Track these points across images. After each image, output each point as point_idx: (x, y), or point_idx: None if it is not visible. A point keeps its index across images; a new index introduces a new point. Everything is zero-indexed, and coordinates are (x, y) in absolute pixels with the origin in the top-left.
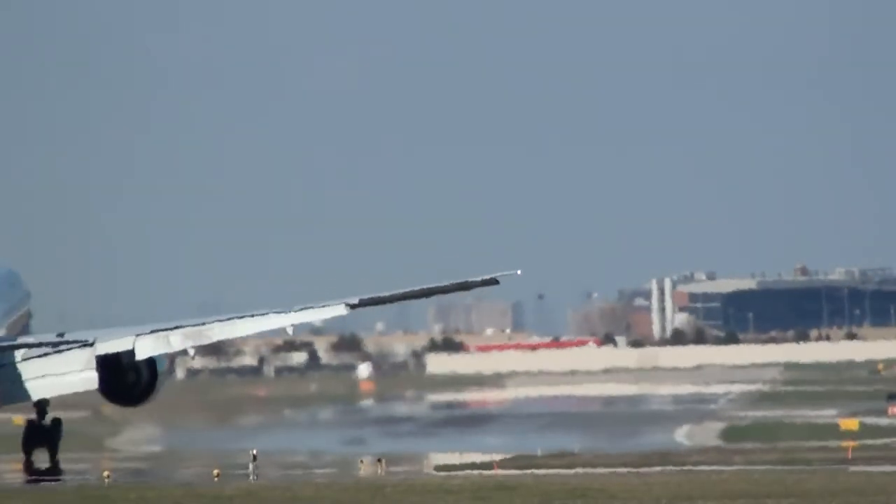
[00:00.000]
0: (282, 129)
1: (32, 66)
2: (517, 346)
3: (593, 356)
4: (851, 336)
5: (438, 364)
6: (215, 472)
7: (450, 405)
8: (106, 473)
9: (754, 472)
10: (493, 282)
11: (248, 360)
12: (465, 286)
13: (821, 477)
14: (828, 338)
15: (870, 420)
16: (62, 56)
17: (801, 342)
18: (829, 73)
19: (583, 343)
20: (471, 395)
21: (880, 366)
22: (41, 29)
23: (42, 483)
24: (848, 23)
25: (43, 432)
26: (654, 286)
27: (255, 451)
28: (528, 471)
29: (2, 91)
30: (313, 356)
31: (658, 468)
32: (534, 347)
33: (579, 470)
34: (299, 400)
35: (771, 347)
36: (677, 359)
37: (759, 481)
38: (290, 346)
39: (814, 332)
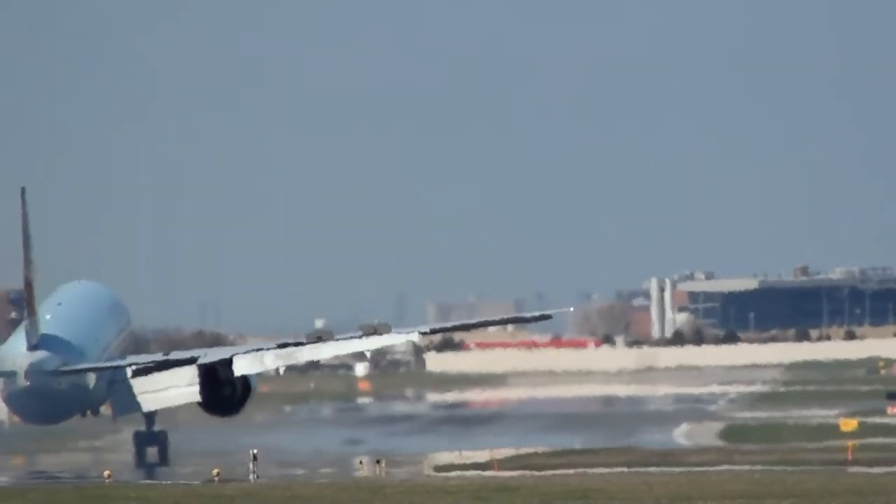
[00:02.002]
0: (282, 128)
1: (30, 66)
2: (517, 345)
3: (593, 356)
4: (851, 335)
5: (438, 362)
6: (215, 471)
7: (449, 404)
8: (107, 473)
9: (754, 472)
10: (547, 317)
11: None
12: (520, 320)
13: (821, 477)
14: (828, 337)
15: (870, 420)
16: (59, 55)
17: (801, 342)
18: (829, 73)
19: (582, 343)
20: (470, 395)
21: (881, 364)
22: (37, 28)
23: (45, 480)
24: (848, 23)
25: (153, 437)
26: (653, 286)
27: (255, 451)
28: (528, 471)
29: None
30: None
31: (658, 468)
32: (534, 346)
33: (579, 470)
34: (299, 398)
35: (771, 347)
36: (677, 359)
37: (759, 481)
38: None
39: (814, 332)
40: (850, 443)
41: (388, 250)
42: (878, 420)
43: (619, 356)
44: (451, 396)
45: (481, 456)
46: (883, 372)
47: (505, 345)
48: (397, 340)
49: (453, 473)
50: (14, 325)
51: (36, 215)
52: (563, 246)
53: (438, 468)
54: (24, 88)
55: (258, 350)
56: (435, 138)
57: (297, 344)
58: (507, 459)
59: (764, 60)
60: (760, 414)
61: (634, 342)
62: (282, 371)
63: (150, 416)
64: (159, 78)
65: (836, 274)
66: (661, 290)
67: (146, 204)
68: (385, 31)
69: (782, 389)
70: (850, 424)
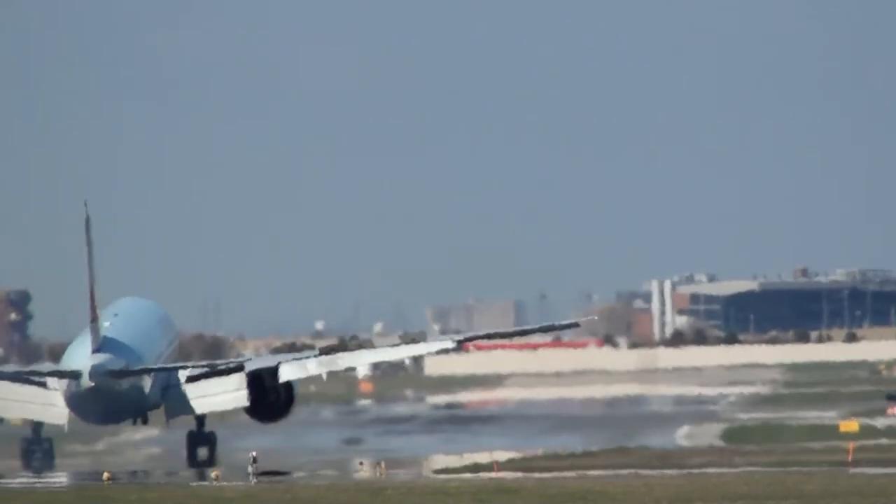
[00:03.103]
0: (283, 129)
1: (29, 65)
2: (517, 346)
3: (594, 357)
4: (852, 337)
5: (437, 364)
6: (214, 473)
7: (449, 406)
8: (106, 475)
9: (755, 473)
10: (575, 325)
11: None
12: (549, 328)
13: (821, 478)
14: (828, 339)
15: (870, 421)
16: (61, 54)
17: (801, 343)
18: (829, 73)
19: (583, 344)
20: (470, 396)
21: (881, 366)
22: (39, 27)
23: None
24: (847, 23)
25: (203, 437)
26: (654, 287)
27: (254, 454)
28: (528, 473)
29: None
30: None
31: (658, 470)
32: (534, 348)
33: (579, 472)
34: (300, 400)
35: (771, 348)
36: (678, 360)
37: (760, 483)
38: (292, 347)
39: (814, 333)
40: (850, 444)
41: (389, 250)
42: (878, 421)
43: (620, 357)
44: (451, 398)
45: (481, 458)
46: (883, 373)
47: (505, 346)
48: (434, 348)
49: (453, 475)
50: (14, 325)
51: (35, 215)
52: (563, 247)
53: (438, 470)
54: (25, 88)
55: (302, 358)
56: (435, 139)
57: (337, 350)
58: (507, 461)
59: (765, 61)
60: (761, 415)
61: (635, 343)
62: (325, 377)
63: (201, 419)
64: (158, 78)
65: (836, 275)
66: (662, 291)
67: (146, 204)
68: (386, 32)
69: (783, 391)
70: (850, 425)
